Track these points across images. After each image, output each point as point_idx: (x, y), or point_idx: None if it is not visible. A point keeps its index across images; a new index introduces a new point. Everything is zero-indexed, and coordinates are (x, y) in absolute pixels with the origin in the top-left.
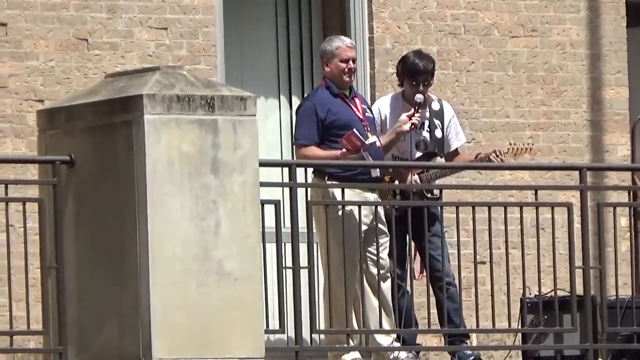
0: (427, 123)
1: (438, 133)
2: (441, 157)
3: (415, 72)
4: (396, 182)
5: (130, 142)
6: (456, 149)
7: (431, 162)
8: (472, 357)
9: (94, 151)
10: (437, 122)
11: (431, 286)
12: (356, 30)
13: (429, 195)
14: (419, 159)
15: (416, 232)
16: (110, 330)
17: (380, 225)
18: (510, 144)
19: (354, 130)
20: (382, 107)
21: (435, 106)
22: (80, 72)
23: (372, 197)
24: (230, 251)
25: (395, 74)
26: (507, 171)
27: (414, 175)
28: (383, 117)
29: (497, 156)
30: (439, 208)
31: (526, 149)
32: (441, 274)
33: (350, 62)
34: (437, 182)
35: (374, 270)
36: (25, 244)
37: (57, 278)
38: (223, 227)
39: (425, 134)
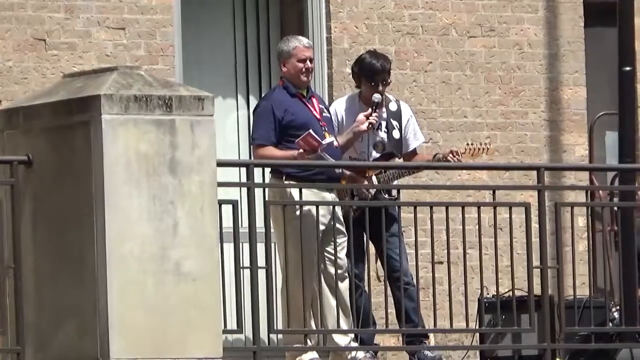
0: (384, 124)
1: (396, 134)
2: (399, 157)
3: (372, 72)
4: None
5: (88, 142)
6: (414, 149)
7: (387, 162)
8: (432, 357)
9: (52, 151)
10: (394, 122)
11: (390, 286)
12: (314, 30)
13: (387, 195)
14: (377, 160)
15: (374, 232)
16: (68, 330)
17: (338, 225)
18: (468, 144)
19: (311, 130)
20: (339, 107)
21: (393, 107)
22: (38, 72)
23: (330, 197)
24: (188, 251)
25: (352, 78)
26: (465, 171)
27: (370, 177)
28: (340, 118)
29: (455, 156)
30: (396, 208)
31: (484, 149)
32: (399, 274)
33: (308, 62)
34: (395, 182)
35: (332, 270)
36: None
37: (15, 278)
38: (181, 227)
39: (383, 134)
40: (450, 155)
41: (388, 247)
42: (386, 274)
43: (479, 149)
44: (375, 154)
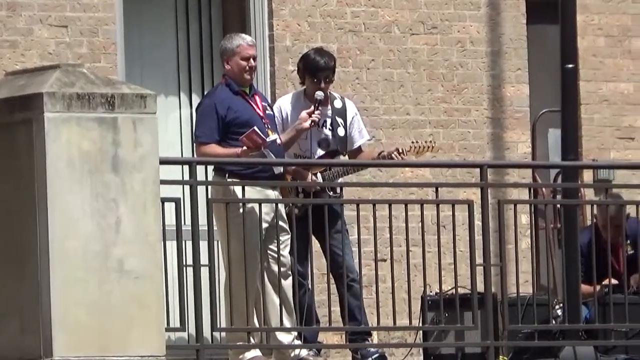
0: (329, 121)
1: (340, 131)
2: (343, 155)
3: (316, 69)
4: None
5: (31, 140)
6: (360, 147)
7: (330, 160)
8: (376, 355)
9: None
10: (339, 120)
11: (335, 283)
12: (256, 27)
13: (331, 193)
14: (321, 157)
15: (318, 230)
16: (11, 328)
17: (281, 223)
18: (413, 142)
19: (255, 128)
20: (284, 105)
21: (338, 104)
22: None
23: (273, 194)
24: (130, 249)
25: (295, 72)
26: (408, 169)
27: (315, 174)
28: (284, 115)
29: (399, 155)
30: (340, 205)
31: (428, 147)
32: (343, 270)
33: (251, 60)
34: (339, 180)
35: (275, 268)
36: None
37: None
38: (124, 225)
39: (328, 132)
40: (395, 153)
41: (332, 244)
42: (330, 271)
43: (423, 147)
44: (319, 152)
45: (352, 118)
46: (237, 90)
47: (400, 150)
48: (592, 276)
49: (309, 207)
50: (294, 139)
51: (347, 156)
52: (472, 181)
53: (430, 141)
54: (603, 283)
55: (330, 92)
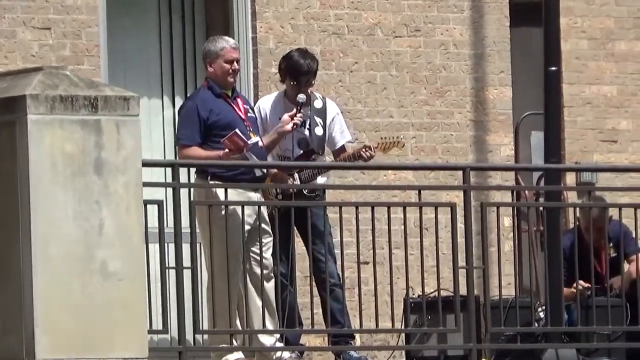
0: (308, 121)
1: (318, 131)
2: (320, 155)
3: (298, 72)
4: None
5: (13, 143)
6: (343, 146)
7: (311, 160)
8: (358, 358)
9: None
10: (318, 120)
11: (316, 286)
12: (239, 30)
13: (306, 192)
14: (299, 156)
15: (301, 232)
16: None
17: (263, 225)
18: (382, 138)
19: (237, 130)
20: (264, 105)
21: (318, 104)
22: None
23: (256, 196)
24: (113, 251)
25: (278, 73)
26: (390, 171)
27: (292, 174)
28: (264, 116)
29: (367, 151)
30: (322, 208)
31: (396, 142)
32: (326, 275)
33: (235, 63)
34: (319, 179)
35: (258, 270)
36: None
37: None
38: (106, 227)
39: (306, 131)
40: (363, 150)
41: (314, 248)
42: (311, 274)
43: (390, 143)
44: (299, 151)
45: (333, 118)
46: (219, 92)
47: (368, 147)
48: (574, 279)
49: (290, 210)
50: (276, 142)
51: (332, 156)
52: (455, 184)
53: (398, 137)
54: (585, 286)
55: (311, 92)
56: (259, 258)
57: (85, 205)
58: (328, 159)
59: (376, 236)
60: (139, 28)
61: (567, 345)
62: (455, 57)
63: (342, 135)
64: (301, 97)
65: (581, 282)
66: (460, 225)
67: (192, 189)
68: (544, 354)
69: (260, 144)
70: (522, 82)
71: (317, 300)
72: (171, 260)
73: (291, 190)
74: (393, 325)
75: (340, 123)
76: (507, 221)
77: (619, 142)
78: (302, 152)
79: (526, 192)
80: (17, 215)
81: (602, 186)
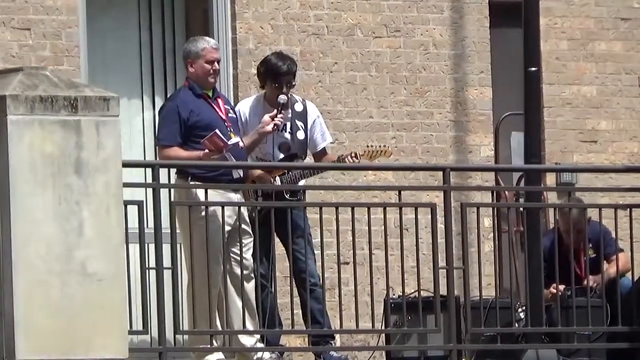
0: (289, 125)
1: (300, 135)
2: (302, 159)
3: (277, 74)
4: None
5: None
6: (324, 149)
7: (293, 163)
8: (339, 358)
9: None
10: (299, 123)
11: (296, 287)
12: (219, 30)
13: (287, 195)
14: (281, 160)
15: (281, 233)
16: None
17: (243, 226)
18: (368, 146)
19: (217, 131)
20: (244, 108)
21: (299, 107)
22: None
23: (236, 197)
24: (93, 252)
25: (257, 78)
26: (370, 172)
27: (274, 177)
28: (244, 119)
29: (353, 157)
30: (303, 209)
31: (383, 151)
32: (306, 275)
33: (215, 63)
34: (301, 182)
35: (238, 271)
36: None
37: None
38: (86, 227)
39: (287, 135)
40: (349, 157)
41: (294, 248)
42: (292, 275)
43: (377, 152)
44: (280, 155)
45: (314, 121)
46: (199, 93)
47: (355, 155)
48: (554, 279)
49: (270, 210)
50: (256, 143)
51: (313, 158)
52: (435, 184)
53: (385, 145)
54: (562, 289)
55: (291, 95)
56: (239, 259)
57: (65, 205)
58: (309, 161)
59: (356, 236)
60: (119, 29)
61: (547, 345)
62: (435, 58)
63: (322, 137)
64: (282, 97)
65: (561, 286)
66: (441, 226)
67: (172, 190)
68: (524, 355)
69: (240, 144)
70: (502, 83)
71: (296, 300)
72: (151, 261)
73: (271, 191)
74: (373, 325)
75: (320, 125)
76: (487, 222)
77: (598, 143)
78: (283, 156)
79: (506, 192)
80: None
81: (582, 186)
